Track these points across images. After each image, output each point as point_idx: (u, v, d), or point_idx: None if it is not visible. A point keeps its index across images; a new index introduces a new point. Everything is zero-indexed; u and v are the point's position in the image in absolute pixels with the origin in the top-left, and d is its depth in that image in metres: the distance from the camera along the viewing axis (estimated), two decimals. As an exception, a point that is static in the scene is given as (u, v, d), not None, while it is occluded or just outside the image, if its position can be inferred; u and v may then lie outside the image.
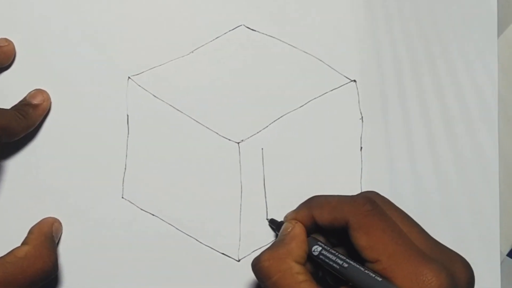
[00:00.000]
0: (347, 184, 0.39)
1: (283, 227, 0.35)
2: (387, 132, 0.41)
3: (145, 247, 0.38)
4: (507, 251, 0.42)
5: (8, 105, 0.38)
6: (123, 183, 0.38)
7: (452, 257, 0.31)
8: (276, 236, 0.38)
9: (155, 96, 0.39)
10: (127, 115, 0.39)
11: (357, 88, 0.41)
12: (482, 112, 0.42)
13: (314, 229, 0.35)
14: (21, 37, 0.39)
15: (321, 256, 0.33)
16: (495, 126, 0.41)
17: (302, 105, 0.40)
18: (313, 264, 0.34)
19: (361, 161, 0.40)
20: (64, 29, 0.39)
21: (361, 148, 0.40)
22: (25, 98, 0.38)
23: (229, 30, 0.41)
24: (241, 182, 0.39)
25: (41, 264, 0.33)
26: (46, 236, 0.35)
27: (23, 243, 0.35)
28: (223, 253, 0.38)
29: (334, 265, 0.32)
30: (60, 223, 0.37)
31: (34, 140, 0.38)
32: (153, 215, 0.38)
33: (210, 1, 0.41)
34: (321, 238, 0.34)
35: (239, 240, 0.38)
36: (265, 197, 0.39)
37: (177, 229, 0.38)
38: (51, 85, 0.39)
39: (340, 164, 0.40)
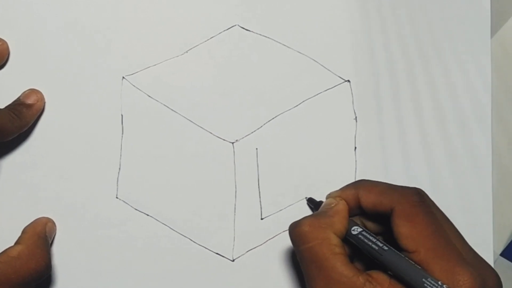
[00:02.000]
0: (341, 184, 0.39)
1: (326, 201, 0.36)
2: (381, 132, 0.41)
3: (139, 247, 0.38)
4: (500, 250, 0.42)
5: (1, 105, 0.38)
6: (117, 183, 0.38)
7: (486, 266, 0.31)
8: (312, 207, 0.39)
9: (149, 96, 0.39)
10: (122, 115, 0.39)
11: (351, 88, 0.41)
12: (475, 112, 0.42)
13: (354, 213, 0.35)
14: (15, 37, 0.39)
15: (360, 236, 0.33)
16: (488, 126, 0.42)
17: (296, 105, 0.40)
18: (347, 245, 0.34)
19: (355, 161, 0.40)
20: (59, 29, 0.39)
21: (355, 148, 0.40)
22: (19, 97, 0.38)
23: (224, 30, 0.41)
24: (235, 182, 0.39)
25: (34, 264, 0.33)
26: (40, 236, 0.35)
27: (16, 243, 0.35)
28: (217, 253, 0.38)
29: (373, 246, 0.32)
30: (53, 223, 0.37)
31: (28, 140, 0.38)
32: (147, 215, 0.38)
33: (205, 1, 0.41)
34: (358, 223, 0.35)
35: (233, 240, 0.38)
36: (259, 197, 0.39)
37: (171, 229, 0.38)
38: (45, 85, 0.39)
39: (334, 164, 0.40)
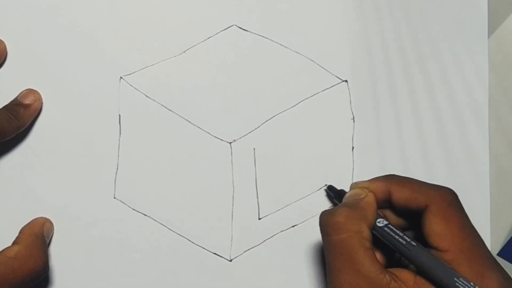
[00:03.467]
0: (338, 184, 0.39)
1: (354, 191, 0.35)
2: (378, 132, 0.41)
3: (137, 247, 0.38)
4: (497, 250, 0.42)
5: (-1, 105, 0.38)
6: (115, 183, 0.38)
7: (505, 272, 0.31)
8: (335, 204, 0.38)
9: (147, 96, 0.39)
10: (119, 115, 0.39)
11: (348, 88, 0.41)
12: (473, 111, 0.42)
13: (380, 206, 0.34)
14: (13, 37, 0.39)
15: (386, 229, 0.33)
16: (485, 125, 0.42)
17: (294, 105, 0.40)
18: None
19: (353, 161, 0.40)
20: (56, 29, 0.39)
21: (353, 148, 0.40)
22: (16, 98, 0.38)
23: (221, 30, 0.41)
24: (233, 182, 0.39)
25: (31, 264, 0.33)
26: (37, 236, 0.35)
27: (14, 243, 0.35)
28: (215, 253, 0.38)
29: (401, 240, 0.32)
30: (51, 223, 0.37)
31: (26, 140, 0.38)
32: (145, 215, 0.38)
33: (202, 1, 0.41)
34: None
35: (231, 240, 0.38)
36: (257, 197, 0.39)
37: (169, 229, 0.38)
38: (43, 85, 0.39)
39: (331, 164, 0.40)
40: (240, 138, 0.39)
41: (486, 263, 0.30)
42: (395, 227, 0.33)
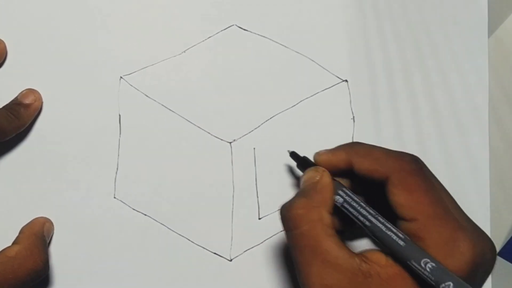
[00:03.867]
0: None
1: (308, 174, 0.34)
2: (378, 132, 0.41)
3: (137, 247, 0.38)
4: (497, 250, 0.42)
5: (-1, 105, 0.38)
6: (115, 183, 0.38)
7: (482, 234, 0.30)
8: (297, 166, 0.37)
9: (147, 96, 0.39)
10: (119, 115, 0.39)
11: (348, 88, 0.41)
12: (472, 112, 0.42)
13: (344, 176, 0.34)
14: (12, 37, 0.39)
15: (343, 209, 0.32)
16: (485, 126, 0.42)
17: (294, 105, 0.40)
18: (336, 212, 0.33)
19: (353, 161, 0.40)
20: (56, 29, 0.39)
21: (353, 148, 0.40)
22: (16, 97, 0.38)
23: (221, 30, 0.41)
24: (233, 181, 0.39)
25: (31, 263, 0.33)
26: (37, 236, 0.35)
27: (14, 243, 0.35)
28: (215, 253, 0.38)
29: (358, 217, 0.31)
30: (51, 223, 0.37)
31: (26, 140, 0.38)
32: (145, 215, 0.38)
33: (202, 1, 0.41)
34: (345, 182, 0.33)
35: (231, 239, 0.38)
36: (257, 197, 0.39)
37: (169, 228, 0.38)
38: (43, 85, 0.39)
39: (331, 164, 0.40)
40: (240, 138, 0.39)
41: (456, 226, 0.29)
42: (352, 203, 0.32)
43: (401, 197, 0.30)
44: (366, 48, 0.42)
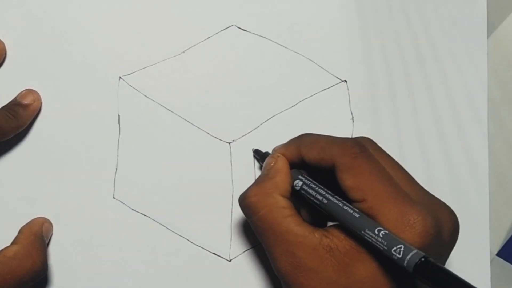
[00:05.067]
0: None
1: (266, 161, 0.35)
2: (377, 132, 0.41)
3: (136, 248, 0.38)
4: (496, 250, 0.42)
5: (-2, 105, 0.38)
6: (114, 184, 0.38)
7: (438, 204, 0.31)
8: (260, 167, 0.38)
9: (146, 96, 0.39)
10: (118, 115, 0.39)
11: (347, 89, 0.41)
12: (472, 112, 0.42)
13: (302, 166, 0.34)
14: (12, 37, 0.39)
15: (302, 191, 0.33)
16: (485, 126, 0.42)
17: (293, 105, 0.40)
18: (297, 198, 0.34)
19: (352, 161, 0.40)
20: (55, 29, 0.39)
21: (352, 148, 0.40)
22: (15, 98, 0.38)
23: (221, 30, 0.41)
24: (232, 182, 0.39)
25: (30, 264, 0.33)
26: (36, 236, 0.35)
27: (13, 243, 0.35)
28: (214, 253, 0.38)
29: (315, 200, 0.32)
30: (50, 223, 0.37)
31: (25, 140, 0.38)
32: (144, 215, 0.38)
33: (202, 1, 0.41)
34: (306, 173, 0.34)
35: (230, 240, 0.38)
36: (256, 197, 0.39)
37: (169, 229, 0.38)
38: (42, 85, 0.39)
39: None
40: (240, 138, 0.39)
41: (404, 200, 0.29)
42: (311, 185, 0.33)
43: (348, 180, 0.31)
44: (365, 48, 0.42)
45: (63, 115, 0.39)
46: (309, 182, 0.33)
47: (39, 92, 0.39)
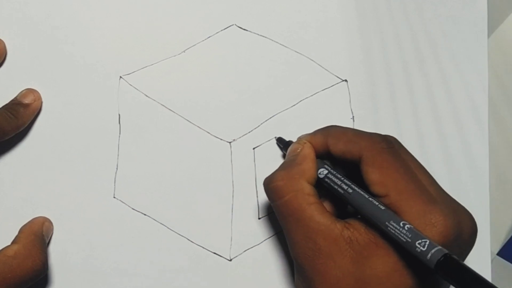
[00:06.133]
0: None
1: (291, 147, 0.35)
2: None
3: (136, 247, 0.38)
4: (497, 250, 0.42)
5: (-2, 105, 0.38)
6: (114, 183, 0.38)
7: (460, 208, 0.31)
8: (284, 156, 0.39)
9: (146, 96, 0.39)
10: (119, 115, 0.39)
11: (348, 88, 0.41)
12: (472, 112, 0.42)
13: (326, 157, 0.35)
14: (12, 36, 0.39)
15: (326, 179, 0.33)
16: (485, 126, 0.42)
17: (294, 105, 0.40)
18: (319, 188, 0.34)
19: (353, 160, 0.40)
20: (56, 28, 0.39)
21: (353, 147, 0.40)
22: (16, 97, 0.38)
23: (221, 30, 0.41)
24: (232, 181, 0.39)
25: (30, 263, 0.33)
26: (36, 235, 0.35)
27: (13, 242, 0.34)
28: (214, 253, 0.38)
29: (339, 189, 0.32)
30: (50, 223, 0.37)
31: (25, 139, 0.38)
32: (145, 214, 0.38)
33: (202, 1, 0.41)
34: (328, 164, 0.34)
35: (231, 239, 0.38)
36: (257, 197, 0.39)
37: (169, 228, 0.38)
38: (42, 84, 0.39)
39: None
40: (240, 137, 0.39)
41: (427, 199, 0.29)
42: (336, 175, 0.33)
43: (373, 174, 0.31)
44: (365, 48, 0.42)
45: (63, 115, 0.39)
46: (334, 172, 0.33)
47: (39, 91, 0.39)
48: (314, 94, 0.40)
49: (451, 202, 0.31)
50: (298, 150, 0.35)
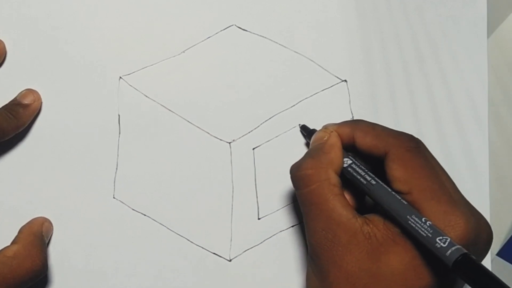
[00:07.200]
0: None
1: (317, 135, 0.35)
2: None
3: (136, 247, 0.38)
4: (496, 250, 0.42)
5: (-2, 105, 0.38)
6: (114, 183, 0.38)
7: (480, 215, 0.31)
8: (307, 144, 0.39)
9: (146, 96, 0.39)
10: (119, 115, 0.39)
11: (348, 88, 0.41)
12: (472, 112, 0.42)
13: (348, 150, 0.35)
14: (12, 37, 0.39)
15: (350, 169, 0.33)
16: (485, 126, 0.42)
17: (293, 105, 0.40)
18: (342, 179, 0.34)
19: (352, 161, 0.40)
20: (55, 29, 0.39)
21: (352, 148, 0.40)
22: (15, 98, 0.38)
23: (221, 30, 0.41)
24: (232, 182, 0.39)
25: (30, 263, 0.33)
26: (36, 236, 0.35)
27: (13, 243, 0.35)
28: (214, 253, 0.38)
29: (362, 180, 0.32)
30: (50, 223, 0.37)
31: (25, 140, 0.38)
32: (145, 215, 0.38)
33: (202, 1, 0.41)
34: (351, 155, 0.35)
35: (231, 240, 0.38)
36: (257, 197, 0.39)
37: (169, 229, 0.38)
38: (42, 85, 0.39)
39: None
40: (240, 138, 0.39)
41: (449, 201, 0.30)
42: (360, 166, 0.33)
43: (397, 171, 0.31)
44: (365, 48, 0.42)
45: (63, 115, 0.39)
46: (358, 163, 0.33)
47: (39, 91, 0.39)
48: (314, 94, 0.40)
49: (471, 208, 0.31)
50: (325, 138, 0.34)
